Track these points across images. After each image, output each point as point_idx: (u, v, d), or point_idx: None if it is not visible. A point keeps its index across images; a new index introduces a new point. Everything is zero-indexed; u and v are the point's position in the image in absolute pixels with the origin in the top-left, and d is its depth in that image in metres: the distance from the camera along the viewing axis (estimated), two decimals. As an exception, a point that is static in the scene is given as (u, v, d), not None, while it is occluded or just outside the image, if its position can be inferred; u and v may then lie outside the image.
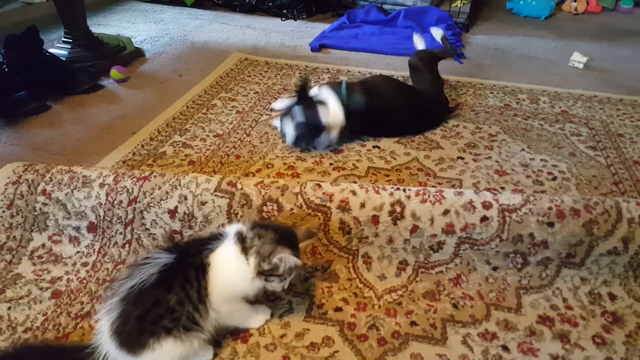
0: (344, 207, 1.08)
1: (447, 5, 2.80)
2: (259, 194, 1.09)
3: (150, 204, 1.10)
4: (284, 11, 2.85)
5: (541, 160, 1.54)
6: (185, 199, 1.10)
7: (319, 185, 1.11)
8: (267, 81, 2.04)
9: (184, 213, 1.09)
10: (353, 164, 1.48)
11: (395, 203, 1.07)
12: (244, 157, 1.52)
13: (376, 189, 1.10)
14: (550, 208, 1.05)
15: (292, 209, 1.08)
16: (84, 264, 1.09)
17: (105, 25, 2.63)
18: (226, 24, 2.75)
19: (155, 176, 1.14)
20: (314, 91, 1.59)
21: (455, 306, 1.00)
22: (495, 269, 1.07)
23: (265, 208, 1.08)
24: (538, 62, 2.33)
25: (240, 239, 0.87)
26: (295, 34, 2.61)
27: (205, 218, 1.09)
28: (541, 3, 2.89)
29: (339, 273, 1.07)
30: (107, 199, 1.12)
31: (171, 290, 0.78)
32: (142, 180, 1.13)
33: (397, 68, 2.19)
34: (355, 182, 1.34)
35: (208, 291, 0.81)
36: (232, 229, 0.90)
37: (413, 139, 1.63)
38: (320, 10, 2.94)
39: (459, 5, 2.82)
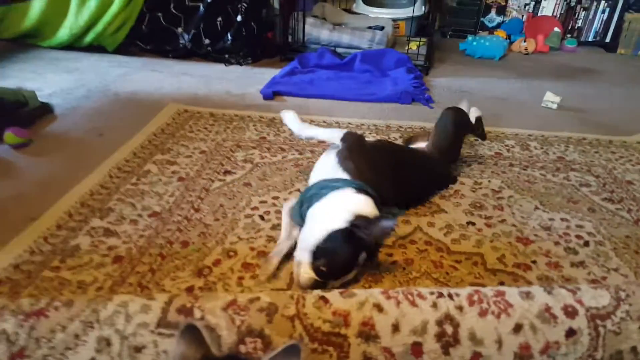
0: (368, 333, 0.70)
1: (402, 48, 2.64)
2: (233, 325, 0.69)
3: (48, 359, 0.66)
4: (226, 56, 2.52)
5: (562, 219, 1.28)
6: (109, 344, 0.67)
7: (325, 300, 0.73)
8: (216, 136, 1.66)
9: (108, 369, 0.66)
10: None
11: (444, 320, 0.72)
12: (193, 243, 1.11)
13: (410, 297, 0.74)
14: (648, 305, 0.75)
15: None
16: None
17: (3, 77, 2.13)
18: (157, 71, 2.36)
19: (55, 308, 0.70)
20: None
21: None
22: (592, 404, 0.74)
23: (243, 347, 0.68)
24: (509, 104, 2.17)
25: None
26: (242, 81, 2.27)
27: (145, 373, 0.66)
28: (494, 44, 2.82)
29: None
30: (-32, 357, 0.66)
31: None
32: (34, 317, 0.68)
33: (365, 115, 1.92)
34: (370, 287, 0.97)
35: None
36: None
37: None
38: (266, 54, 2.65)
39: (413, 48, 2.67)
